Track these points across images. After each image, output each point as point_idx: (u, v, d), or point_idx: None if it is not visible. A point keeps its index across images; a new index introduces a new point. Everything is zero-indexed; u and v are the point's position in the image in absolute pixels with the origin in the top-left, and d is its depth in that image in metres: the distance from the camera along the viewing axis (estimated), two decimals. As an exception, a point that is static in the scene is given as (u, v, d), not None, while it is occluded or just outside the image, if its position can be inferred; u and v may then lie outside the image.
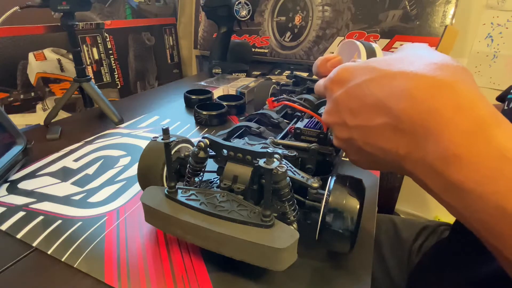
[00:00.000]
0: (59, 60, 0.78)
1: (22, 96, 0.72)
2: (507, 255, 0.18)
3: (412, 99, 0.20)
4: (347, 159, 0.49)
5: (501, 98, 0.41)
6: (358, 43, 0.33)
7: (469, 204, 0.19)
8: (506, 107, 0.36)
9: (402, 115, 0.20)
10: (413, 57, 0.22)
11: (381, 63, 0.23)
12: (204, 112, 0.60)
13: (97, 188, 0.41)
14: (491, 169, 0.17)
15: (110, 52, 0.93)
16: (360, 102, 0.23)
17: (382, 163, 0.24)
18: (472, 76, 0.21)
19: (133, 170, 0.45)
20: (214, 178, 0.36)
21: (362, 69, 0.24)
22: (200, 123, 0.61)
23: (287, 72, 1.03)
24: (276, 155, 0.27)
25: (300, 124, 0.39)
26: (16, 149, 0.44)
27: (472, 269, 0.35)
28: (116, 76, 0.96)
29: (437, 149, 0.19)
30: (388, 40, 0.94)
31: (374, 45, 0.33)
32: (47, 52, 0.76)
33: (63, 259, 0.30)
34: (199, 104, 0.63)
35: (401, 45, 0.29)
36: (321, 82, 0.31)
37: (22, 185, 0.41)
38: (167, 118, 0.65)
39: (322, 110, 0.46)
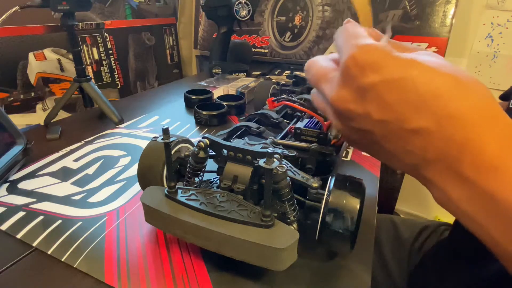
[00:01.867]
0: (59, 60, 0.78)
1: (22, 96, 0.72)
2: None
3: (460, 108, 0.19)
4: (347, 159, 0.49)
5: (505, 97, 0.41)
6: None
7: (496, 213, 0.19)
8: (510, 106, 0.36)
9: (446, 123, 0.19)
10: (450, 66, 0.21)
11: (426, 60, 0.20)
12: (204, 112, 0.60)
13: (97, 188, 0.41)
14: None
15: (110, 52, 0.93)
16: (399, 97, 0.20)
17: (393, 159, 0.23)
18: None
19: (133, 170, 0.45)
20: (214, 178, 0.36)
21: (407, 61, 0.20)
22: (200, 123, 0.61)
23: (287, 72, 1.03)
24: (276, 155, 0.27)
25: (300, 124, 0.39)
26: (16, 149, 0.44)
27: (472, 269, 0.35)
28: (116, 76, 0.96)
29: (474, 160, 0.19)
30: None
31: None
32: (47, 52, 0.76)
33: (63, 259, 0.30)
34: (199, 104, 0.63)
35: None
36: (323, 60, 0.26)
37: (22, 185, 0.41)
38: (167, 118, 0.65)
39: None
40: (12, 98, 0.70)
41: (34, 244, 0.31)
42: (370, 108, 0.21)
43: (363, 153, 0.51)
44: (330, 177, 0.28)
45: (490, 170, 0.18)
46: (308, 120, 0.41)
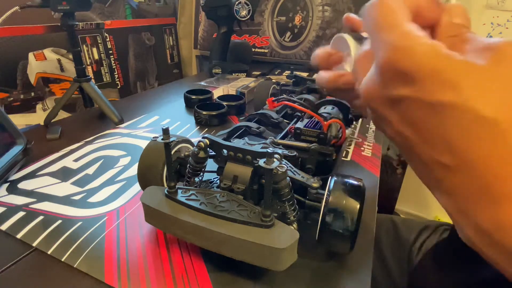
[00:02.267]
0: (59, 60, 0.78)
1: (22, 96, 0.72)
2: None
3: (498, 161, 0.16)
4: (347, 159, 0.49)
5: None
6: (346, 36, 0.28)
7: None
8: None
9: (470, 168, 0.16)
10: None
11: (487, 76, 0.16)
12: (204, 112, 0.60)
13: (97, 188, 0.41)
14: None
15: (110, 52, 0.93)
16: (431, 124, 0.17)
17: (411, 165, 0.21)
18: None
19: (133, 170, 0.45)
20: (214, 178, 0.36)
21: (459, 79, 0.16)
22: (200, 123, 0.61)
23: (287, 72, 1.03)
24: (276, 155, 0.27)
25: (300, 124, 0.39)
26: (16, 149, 0.44)
27: (472, 270, 0.35)
28: (116, 76, 0.96)
29: (493, 214, 0.16)
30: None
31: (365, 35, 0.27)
32: (47, 52, 0.76)
33: (63, 259, 0.30)
34: (199, 104, 0.63)
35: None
36: (325, 74, 0.26)
37: (22, 185, 0.41)
38: (167, 118, 0.65)
39: (322, 110, 0.46)
40: (12, 98, 0.70)
41: (34, 244, 0.31)
42: (393, 117, 0.19)
43: (366, 152, 0.51)
44: (330, 177, 0.28)
45: (509, 230, 0.16)
46: (308, 120, 0.41)
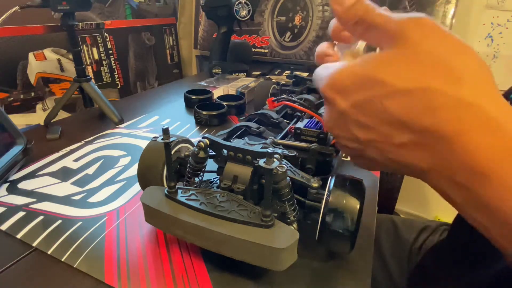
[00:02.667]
0: (59, 60, 0.78)
1: (22, 96, 0.72)
2: None
3: (435, 118, 0.19)
4: (347, 159, 0.49)
5: (504, 96, 0.41)
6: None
7: (494, 219, 0.19)
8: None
9: (426, 132, 0.19)
10: (426, 61, 0.19)
11: (388, 74, 0.20)
12: (204, 112, 0.60)
13: (97, 188, 0.41)
14: None
15: (110, 52, 0.93)
16: (374, 119, 0.21)
17: (399, 172, 0.23)
18: (491, 74, 0.20)
19: (133, 170, 0.45)
20: (214, 178, 0.36)
21: (367, 81, 0.20)
22: (200, 123, 0.61)
23: (287, 72, 1.03)
24: (276, 155, 0.27)
25: (300, 124, 0.39)
26: (16, 149, 0.44)
27: (472, 270, 0.35)
28: (116, 76, 0.96)
29: (464, 166, 0.19)
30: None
31: None
32: (47, 52, 0.76)
33: (63, 259, 0.30)
34: (199, 104, 0.63)
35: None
36: (321, 73, 0.28)
37: (22, 185, 0.41)
38: (167, 118, 0.65)
39: (322, 110, 0.46)
40: (12, 98, 0.70)
41: (34, 244, 0.31)
42: (355, 131, 0.22)
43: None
44: (330, 177, 0.28)
45: (481, 177, 0.18)
46: (308, 120, 0.41)
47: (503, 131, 0.18)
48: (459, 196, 0.20)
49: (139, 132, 0.58)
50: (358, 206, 0.25)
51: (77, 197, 0.39)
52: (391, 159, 0.22)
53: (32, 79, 0.74)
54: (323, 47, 0.30)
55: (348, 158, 0.49)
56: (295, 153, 0.32)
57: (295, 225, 0.28)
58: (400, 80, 0.19)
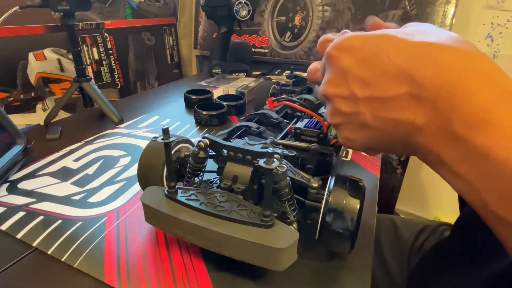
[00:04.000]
0: (59, 60, 0.78)
1: (22, 96, 0.72)
2: None
3: (440, 67, 0.20)
4: (347, 159, 0.49)
5: None
6: None
7: (488, 172, 0.18)
8: None
9: (427, 83, 0.20)
10: (429, 31, 0.22)
11: (399, 33, 0.22)
12: (204, 112, 0.60)
13: (97, 188, 0.41)
14: None
15: (110, 52, 0.93)
16: (377, 71, 0.22)
17: (387, 140, 0.24)
18: None
19: (133, 170, 0.45)
20: (214, 178, 0.36)
21: (378, 37, 0.22)
22: (200, 123, 0.61)
23: (287, 72, 1.03)
24: (276, 155, 0.27)
25: (300, 124, 0.39)
26: (16, 149, 0.44)
27: (473, 270, 0.35)
28: (116, 76, 0.96)
29: (463, 114, 0.19)
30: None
31: None
32: (47, 52, 0.76)
33: (63, 259, 0.30)
34: (199, 104, 0.63)
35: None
36: (314, 63, 0.30)
37: (22, 185, 0.41)
38: (167, 118, 0.65)
39: (322, 110, 0.46)
40: (12, 98, 0.70)
41: (34, 244, 0.31)
42: (353, 88, 0.23)
43: (363, 153, 0.51)
44: (330, 177, 0.28)
45: (481, 125, 0.18)
46: (308, 120, 0.41)
47: (503, 79, 0.19)
48: (455, 151, 0.20)
49: (139, 132, 0.58)
50: (358, 206, 0.25)
51: (77, 197, 0.39)
52: (384, 118, 0.22)
53: (32, 79, 0.74)
54: (314, 64, 0.32)
55: (349, 158, 0.49)
56: (295, 153, 0.32)
57: (295, 225, 0.28)
58: (407, 36, 0.21)
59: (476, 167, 0.19)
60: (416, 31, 0.22)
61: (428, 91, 0.20)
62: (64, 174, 0.44)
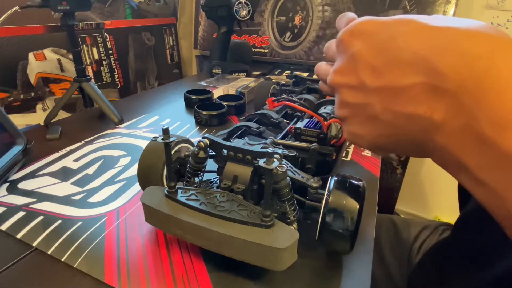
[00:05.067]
0: (59, 60, 0.78)
1: (22, 96, 0.72)
2: None
3: (466, 55, 0.17)
4: (347, 159, 0.49)
5: None
6: None
7: None
8: None
9: (450, 72, 0.17)
10: (453, 18, 0.19)
11: (419, 17, 0.19)
12: (204, 112, 0.60)
13: (97, 188, 0.41)
14: None
15: (110, 52, 0.93)
16: (390, 57, 0.19)
17: (398, 137, 0.21)
18: None
19: (133, 170, 0.45)
20: (214, 178, 0.36)
21: (395, 21, 0.20)
22: (200, 123, 0.61)
23: (287, 72, 1.03)
24: (276, 155, 0.27)
25: (300, 124, 0.39)
26: (16, 149, 0.44)
27: (473, 270, 0.35)
28: (116, 76, 0.96)
29: (492, 113, 0.16)
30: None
31: None
32: (47, 52, 0.76)
33: (63, 259, 0.30)
34: (199, 104, 0.63)
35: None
36: (322, 64, 0.28)
37: (22, 185, 0.41)
38: (167, 118, 0.65)
39: (322, 110, 0.46)
40: (12, 98, 0.70)
41: (34, 244, 0.31)
42: (363, 76, 0.21)
43: (366, 152, 0.51)
44: (330, 177, 0.28)
45: (510, 128, 0.16)
46: (308, 120, 0.41)
47: None
48: (480, 155, 0.17)
49: (139, 132, 0.58)
50: (358, 206, 0.25)
51: (77, 197, 0.39)
52: (396, 112, 0.20)
53: (32, 79, 0.74)
54: (323, 63, 0.30)
55: (349, 158, 0.49)
56: (295, 153, 0.32)
57: (295, 225, 0.28)
58: (427, 20, 0.19)
59: (505, 175, 0.16)
60: (438, 18, 0.19)
61: (450, 82, 0.17)
62: (64, 174, 0.44)
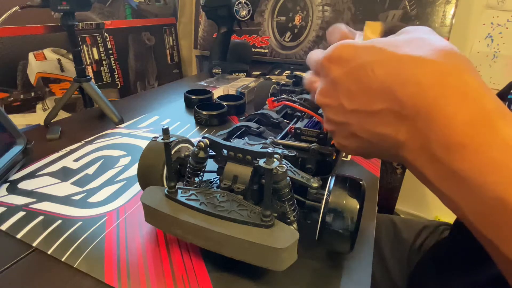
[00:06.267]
0: (59, 60, 0.78)
1: (22, 96, 0.72)
2: (503, 250, 0.18)
3: (418, 85, 0.20)
4: (347, 159, 0.49)
5: (501, 96, 0.41)
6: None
7: (467, 194, 0.19)
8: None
9: (407, 101, 0.20)
10: (420, 41, 0.21)
11: (387, 44, 0.22)
12: (204, 112, 0.60)
13: (97, 188, 0.41)
14: (495, 159, 0.17)
15: (110, 52, 0.93)
16: (362, 85, 0.22)
17: (375, 150, 0.24)
18: (474, 67, 0.21)
19: (133, 170, 0.45)
20: (214, 178, 0.36)
21: (366, 48, 0.22)
22: (200, 123, 0.61)
23: (287, 72, 1.03)
24: (276, 155, 0.27)
25: (300, 124, 0.39)
26: (16, 149, 0.44)
27: (472, 269, 0.35)
28: (116, 76, 0.96)
29: (440, 136, 0.19)
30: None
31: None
32: (47, 52, 0.76)
33: (63, 259, 0.30)
34: (199, 104, 0.63)
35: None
36: (309, 73, 0.30)
37: (22, 185, 0.41)
38: (167, 118, 0.65)
39: (322, 110, 0.46)
40: (12, 98, 0.70)
41: (34, 244, 0.31)
42: (342, 99, 0.24)
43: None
44: (330, 177, 0.28)
45: (458, 148, 0.18)
46: (308, 120, 0.41)
47: (482, 99, 0.19)
48: (435, 171, 0.20)
49: (139, 132, 0.58)
50: (358, 206, 0.25)
51: (77, 197, 0.39)
52: (370, 131, 0.23)
53: (32, 79, 0.73)
54: (310, 76, 0.32)
55: (349, 158, 0.49)
56: (295, 153, 0.32)
57: (295, 225, 0.28)
58: (394, 48, 0.21)
59: (457, 188, 0.19)
60: (407, 41, 0.22)
61: (408, 109, 0.20)
62: (64, 174, 0.44)
